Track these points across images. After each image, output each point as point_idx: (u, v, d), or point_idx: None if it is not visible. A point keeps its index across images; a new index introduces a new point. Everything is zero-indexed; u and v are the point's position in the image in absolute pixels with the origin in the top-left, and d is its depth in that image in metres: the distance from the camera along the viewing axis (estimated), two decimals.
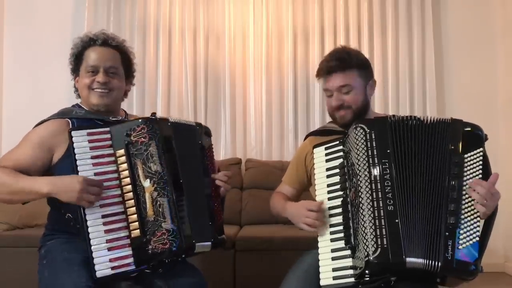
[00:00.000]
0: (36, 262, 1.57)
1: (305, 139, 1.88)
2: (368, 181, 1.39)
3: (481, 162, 1.41)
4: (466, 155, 1.41)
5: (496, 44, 3.81)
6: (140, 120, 1.52)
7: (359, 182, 1.41)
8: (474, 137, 1.44)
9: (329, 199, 1.52)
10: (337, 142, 1.55)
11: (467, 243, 1.35)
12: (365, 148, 1.43)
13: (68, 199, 1.41)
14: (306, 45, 3.79)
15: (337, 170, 1.52)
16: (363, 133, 1.44)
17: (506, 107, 3.73)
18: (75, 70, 1.73)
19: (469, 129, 1.45)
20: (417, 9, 3.77)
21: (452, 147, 1.42)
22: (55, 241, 1.58)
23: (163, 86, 3.73)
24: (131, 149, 1.48)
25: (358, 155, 1.43)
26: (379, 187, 1.38)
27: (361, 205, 1.39)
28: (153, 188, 1.45)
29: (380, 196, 1.37)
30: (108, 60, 1.67)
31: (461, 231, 1.35)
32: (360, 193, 1.40)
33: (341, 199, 1.48)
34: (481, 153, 1.42)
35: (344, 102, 1.67)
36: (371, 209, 1.37)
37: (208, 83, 3.77)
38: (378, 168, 1.40)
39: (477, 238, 1.35)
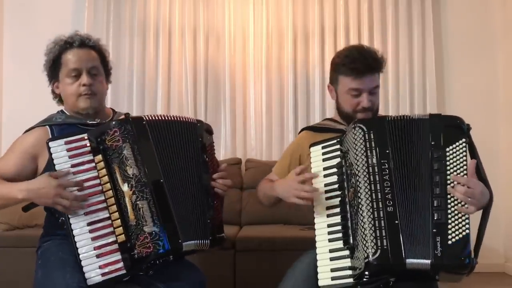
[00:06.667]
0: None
1: (300, 132, 1.84)
2: (368, 182, 1.38)
3: (465, 153, 1.39)
4: (447, 149, 1.39)
5: (497, 44, 3.80)
6: (113, 123, 1.49)
7: (358, 183, 1.39)
8: (455, 129, 1.42)
9: (327, 198, 1.50)
10: (335, 141, 1.53)
11: (457, 237, 1.33)
12: (364, 149, 1.41)
13: (44, 204, 1.41)
14: (306, 45, 3.78)
15: (335, 170, 1.49)
16: (362, 133, 1.43)
17: (507, 107, 3.72)
18: (53, 76, 1.69)
19: (449, 122, 1.44)
20: (417, 9, 3.76)
21: (433, 142, 1.40)
22: (51, 242, 1.58)
23: (163, 86, 3.72)
24: (107, 154, 1.45)
25: (357, 155, 1.42)
26: (378, 188, 1.37)
27: (360, 205, 1.37)
28: (131, 192, 1.42)
29: (379, 197, 1.37)
30: (88, 60, 1.63)
31: (449, 226, 1.33)
32: (359, 194, 1.39)
33: (339, 198, 1.46)
34: (464, 144, 1.39)
35: (375, 104, 1.63)
36: (371, 210, 1.36)
37: (208, 83, 3.77)
38: (377, 169, 1.39)
39: (467, 231, 1.33)
